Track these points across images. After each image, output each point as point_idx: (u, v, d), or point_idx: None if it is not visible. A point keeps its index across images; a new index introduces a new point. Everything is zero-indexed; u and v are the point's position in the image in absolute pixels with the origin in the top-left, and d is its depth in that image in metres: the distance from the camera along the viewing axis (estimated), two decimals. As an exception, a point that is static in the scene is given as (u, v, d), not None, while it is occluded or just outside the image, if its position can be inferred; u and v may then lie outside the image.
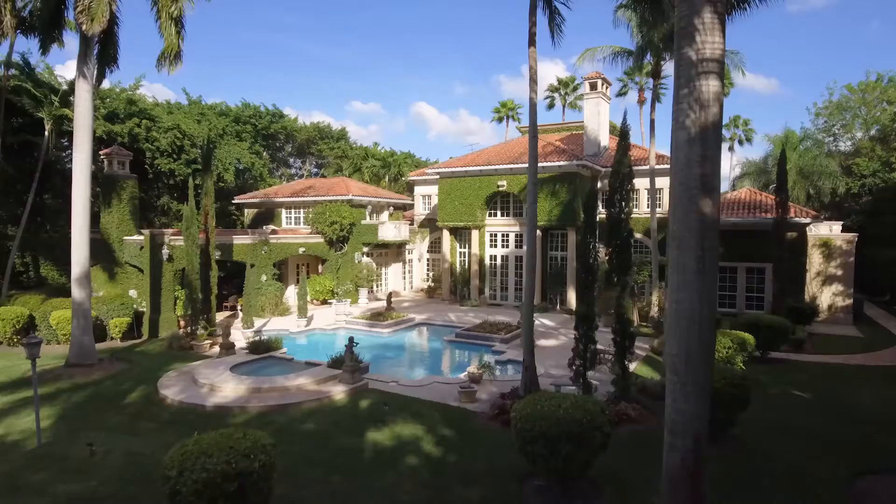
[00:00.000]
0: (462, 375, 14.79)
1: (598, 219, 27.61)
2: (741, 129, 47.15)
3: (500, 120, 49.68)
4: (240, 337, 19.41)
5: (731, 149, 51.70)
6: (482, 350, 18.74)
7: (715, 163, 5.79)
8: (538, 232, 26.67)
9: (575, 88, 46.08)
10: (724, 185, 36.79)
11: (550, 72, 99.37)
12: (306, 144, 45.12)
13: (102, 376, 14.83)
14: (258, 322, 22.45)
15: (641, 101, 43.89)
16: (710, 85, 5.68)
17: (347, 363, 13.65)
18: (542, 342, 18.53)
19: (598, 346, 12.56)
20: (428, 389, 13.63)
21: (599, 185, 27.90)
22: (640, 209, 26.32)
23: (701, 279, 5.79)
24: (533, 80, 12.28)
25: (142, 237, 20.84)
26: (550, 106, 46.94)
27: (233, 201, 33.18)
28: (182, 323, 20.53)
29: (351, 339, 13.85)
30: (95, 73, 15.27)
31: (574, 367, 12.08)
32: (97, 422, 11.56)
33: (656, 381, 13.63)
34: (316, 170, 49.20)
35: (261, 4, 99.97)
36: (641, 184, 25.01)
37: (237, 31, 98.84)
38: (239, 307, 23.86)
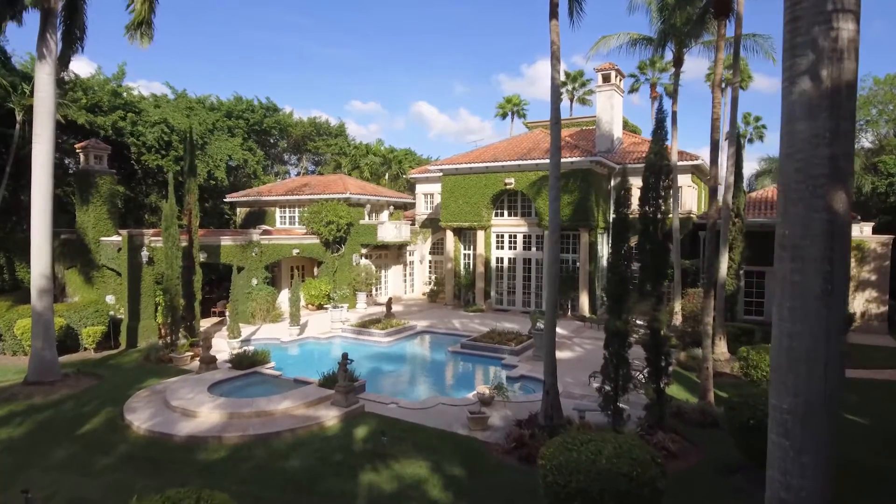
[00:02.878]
0: (471, 395, 13.10)
1: (611, 219, 25.83)
2: (752, 126, 45.49)
3: (503, 116, 47.97)
4: (225, 347, 17.70)
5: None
6: (490, 363, 17.07)
7: (848, 140, 4.10)
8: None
9: (583, 84, 44.39)
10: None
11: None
12: (302, 140, 43.32)
13: (64, 396, 13.13)
14: (248, 330, 20.76)
15: (654, 97, 42.32)
16: (847, 29, 3.99)
17: (341, 383, 11.96)
18: (556, 354, 16.80)
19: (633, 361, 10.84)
20: (432, 413, 11.93)
21: (613, 182, 26.23)
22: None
23: (827, 306, 4.10)
24: (555, 58, 10.57)
25: (120, 238, 19.15)
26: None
27: (224, 199, 31.45)
28: (163, 332, 18.85)
29: (345, 356, 12.15)
30: (58, 53, 13.50)
31: (603, 392, 10.39)
32: (46, 455, 9.87)
33: (694, 405, 11.92)
34: (313, 167, 47.45)
35: (260, 4, 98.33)
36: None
37: (236, 30, 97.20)
38: (228, 314, 22.16)
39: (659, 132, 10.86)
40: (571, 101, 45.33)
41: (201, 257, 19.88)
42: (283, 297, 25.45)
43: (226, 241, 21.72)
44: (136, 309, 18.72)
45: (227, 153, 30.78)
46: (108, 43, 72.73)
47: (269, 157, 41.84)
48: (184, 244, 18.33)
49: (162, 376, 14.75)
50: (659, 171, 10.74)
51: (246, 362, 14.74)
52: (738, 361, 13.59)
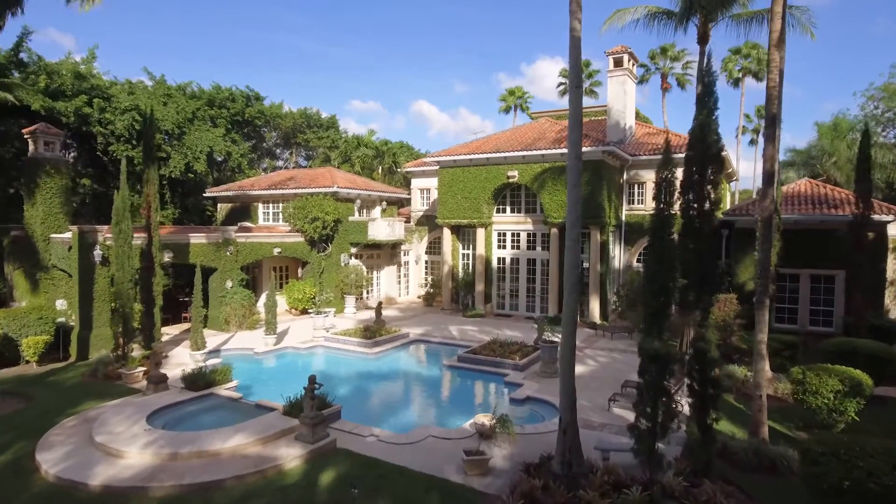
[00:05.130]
0: (467, 425, 10.80)
1: (624, 217, 23.45)
2: (764, 120, 43.22)
3: (507, 110, 45.69)
4: (188, 361, 15.46)
5: (752, 142, 47.91)
6: (491, 380, 14.82)
7: None
8: (553, 231, 22.69)
9: (590, 75, 42.06)
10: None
11: (554, 70, 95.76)
12: (292, 133, 40.94)
13: (-24, 424, 10.87)
14: (220, 339, 18.51)
15: (666, 89, 39.97)
16: None
17: (306, 413, 9.68)
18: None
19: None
20: (420, 450, 9.65)
21: (625, 175, 23.93)
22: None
23: None
24: (576, 2, 8.27)
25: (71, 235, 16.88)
26: (563, 93, 42.92)
27: (204, 194, 29.12)
28: (121, 341, 16.57)
29: (312, 380, 9.86)
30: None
31: (636, 432, 8.10)
32: (-86, 515, 7.61)
33: (745, 444, 9.60)
34: (305, 162, 45.11)
35: (260, 3, 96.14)
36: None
37: (235, 28, 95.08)
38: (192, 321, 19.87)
39: (706, 100, 8.54)
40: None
41: (165, 257, 17.61)
42: (263, 301, 23.16)
43: (196, 238, 19.41)
44: (89, 316, 16.45)
45: (207, 144, 28.42)
46: (109, 42, 70.58)
47: (256, 151, 39.52)
48: (141, 242, 16.08)
49: (103, 398, 12.47)
50: (706, 150, 8.46)
51: (201, 382, 12.41)
52: (790, 384, 11.33)
